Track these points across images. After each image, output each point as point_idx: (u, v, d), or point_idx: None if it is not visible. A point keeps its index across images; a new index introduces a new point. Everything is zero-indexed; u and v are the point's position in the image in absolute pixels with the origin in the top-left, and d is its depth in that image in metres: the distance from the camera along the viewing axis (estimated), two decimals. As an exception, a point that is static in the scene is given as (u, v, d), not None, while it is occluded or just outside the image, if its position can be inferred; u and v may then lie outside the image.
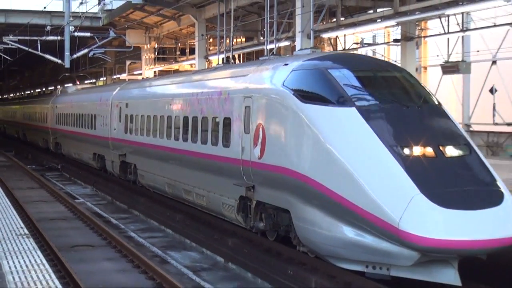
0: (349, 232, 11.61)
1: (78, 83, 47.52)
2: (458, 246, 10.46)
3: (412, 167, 11.23)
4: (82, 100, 33.74)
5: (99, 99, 29.55)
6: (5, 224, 14.56)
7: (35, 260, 10.97)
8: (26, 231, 13.92)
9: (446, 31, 24.18)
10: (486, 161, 12.04)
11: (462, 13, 23.65)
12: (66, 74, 47.86)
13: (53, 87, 62.21)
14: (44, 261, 11.08)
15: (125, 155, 25.36)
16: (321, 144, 12.18)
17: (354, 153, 11.71)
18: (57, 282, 9.70)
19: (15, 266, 10.50)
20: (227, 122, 15.96)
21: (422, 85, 13.91)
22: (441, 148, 11.76)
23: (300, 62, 14.08)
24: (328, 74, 13.15)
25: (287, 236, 14.48)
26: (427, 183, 10.97)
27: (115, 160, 26.68)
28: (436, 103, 13.39)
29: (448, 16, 23.18)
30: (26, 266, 10.56)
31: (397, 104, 12.72)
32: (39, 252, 11.71)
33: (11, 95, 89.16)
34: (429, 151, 11.62)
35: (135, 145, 23.84)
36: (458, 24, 24.49)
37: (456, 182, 11.35)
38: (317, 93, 13.14)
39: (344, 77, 13.08)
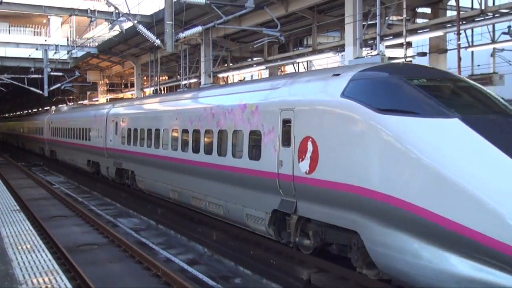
0: (463, 266, 6.80)
1: (68, 104, 44.78)
2: None
3: None
4: (76, 117, 28.80)
5: (93, 116, 24.61)
6: (2, 203, 13.96)
7: (24, 228, 10.57)
8: (18, 208, 13.38)
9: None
10: None
11: (307, 61, 24.23)
12: (59, 97, 46.30)
13: (36, 109, 59.57)
14: (31, 227, 10.71)
15: (121, 163, 20.56)
16: (420, 162, 7.18)
17: (474, 172, 6.80)
18: (40, 241, 9.40)
19: (10, 232, 10.10)
20: (255, 136, 10.93)
21: (494, 94, 9.00)
22: None
23: (357, 71, 9.02)
24: (406, 83, 8.25)
25: (323, 250, 10.01)
26: None
27: (110, 166, 21.88)
28: None
29: (298, 63, 23.72)
30: (18, 231, 10.17)
31: (499, 114, 7.91)
32: (27, 222, 11.30)
33: (6, 115, 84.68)
34: None
35: (133, 155, 18.73)
36: (304, 68, 25.07)
37: None
38: (398, 103, 8.06)
39: (424, 86, 8.21)
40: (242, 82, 14.78)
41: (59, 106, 40.97)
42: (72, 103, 42.63)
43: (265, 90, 11.24)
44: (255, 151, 10.94)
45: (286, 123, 9.95)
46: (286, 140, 9.90)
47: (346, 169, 8.36)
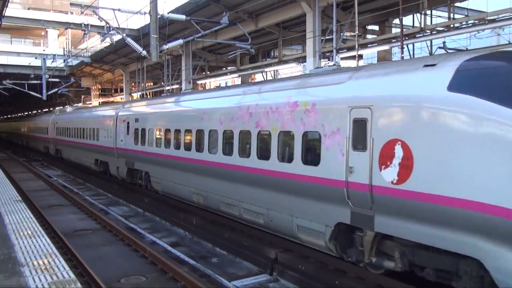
0: None
1: (70, 105, 43.01)
2: None
3: None
4: (82, 117, 25.04)
5: (102, 116, 21.24)
6: (6, 194, 13.61)
7: (25, 216, 10.32)
8: (20, 198, 13.04)
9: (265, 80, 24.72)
10: None
11: (274, 71, 24.28)
12: (63, 98, 45.23)
13: (36, 111, 58.13)
14: (32, 215, 10.45)
15: (133, 163, 17.33)
16: None
17: None
18: (40, 228, 9.19)
19: (13, 219, 9.85)
20: (312, 138, 8.34)
21: None
22: None
23: (463, 60, 6.37)
24: None
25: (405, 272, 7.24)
26: None
27: (121, 166, 18.68)
28: None
29: (266, 72, 23.74)
30: (20, 219, 9.92)
31: None
32: (28, 211, 11.03)
33: (9, 116, 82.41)
34: None
35: (149, 156, 15.53)
36: (272, 76, 25.11)
37: None
38: None
39: None
40: (288, 78, 11.15)
41: (63, 107, 39.80)
42: (68, 106, 41.69)
43: (324, 86, 8.44)
44: (311, 155, 8.36)
45: (359, 123, 7.34)
46: (359, 143, 7.32)
47: (465, 181, 5.83)
